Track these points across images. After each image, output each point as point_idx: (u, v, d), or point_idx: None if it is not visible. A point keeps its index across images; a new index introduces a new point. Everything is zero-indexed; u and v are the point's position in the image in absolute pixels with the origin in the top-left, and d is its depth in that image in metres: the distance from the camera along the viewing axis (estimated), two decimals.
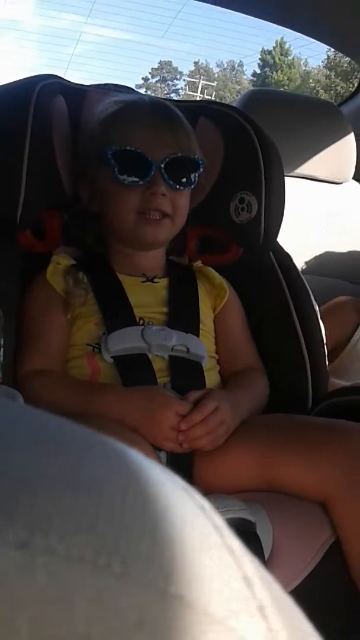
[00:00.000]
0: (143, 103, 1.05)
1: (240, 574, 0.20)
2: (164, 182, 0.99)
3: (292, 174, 1.85)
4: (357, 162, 1.94)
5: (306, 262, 1.91)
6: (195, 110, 1.20)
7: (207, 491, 0.85)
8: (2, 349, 0.82)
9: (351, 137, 1.89)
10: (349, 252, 1.97)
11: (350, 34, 1.93)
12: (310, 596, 0.78)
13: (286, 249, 1.25)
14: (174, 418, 0.87)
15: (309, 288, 1.19)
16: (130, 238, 1.04)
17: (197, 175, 1.04)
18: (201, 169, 1.05)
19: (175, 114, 1.05)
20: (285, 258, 1.22)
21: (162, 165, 0.99)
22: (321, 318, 1.19)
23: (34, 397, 0.89)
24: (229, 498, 0.82)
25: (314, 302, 1.19)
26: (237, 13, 2.08)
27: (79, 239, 1.08)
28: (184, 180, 1.02)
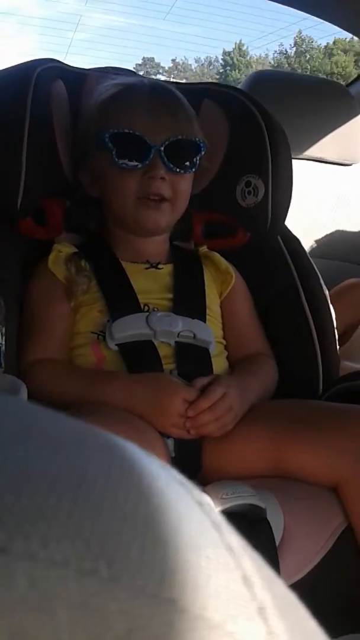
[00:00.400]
0: (142, 85, 1.03)
1: (239, 574, 0.19)
2: (164, 165, 0.98)
3: (300, 156, 1.83)
4: None
5: (315, 245, 1.89)
6: (200, 92, 1.18)
7: (216, 477, 0.84)
8: (4, 338, 0.82)
9: None
10: (358, 234, 1.94)
11: (351, 7, 1.88)
12: (322, 582, 0.78)
13: (294, 232, 1.23)
14: (181, 405, 0.87)
15: (317, 271, 1.18)
16: (130, 224, 1.03)
17: (198, 158, 1.03)
18: (202, 152, 1.03)
19: (175, 96, 1.03)
20: (293, 241, 1.20)
21: (162, 149, 0.97)
22: (331, 301, 1.18)
23: (38, 386, 0.89)
24: (239, 484, 0.81)
25: (323, 285, 1.18)
26: None
27: (81, 225, 1.07)
28: (184, 163, 1.01)
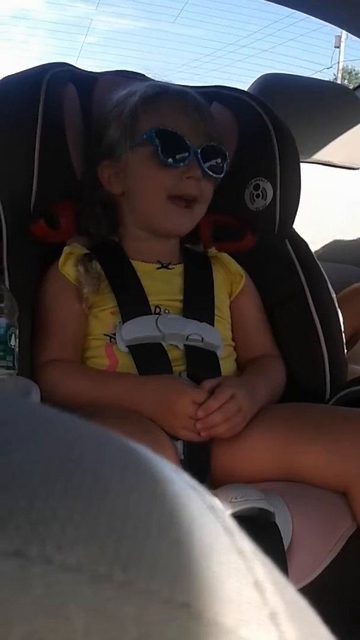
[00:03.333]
0: (177, 89, 1.05)
1: (251, 579, 0.19)
2: (200, 167, 0.99)
3: (308, 160, 1.83)
4: None
5: (323, 249, 1.88)
6: (209, 95, 1.18)
7: (225, 481, 0.85)
8: (17, 341, 0.82)
9: None
10: None
11: (355, 11, 1.88)
12: (330, 586, 0.78)
13: (302, 236, 1.23)
14: (190, 406, 0.87)
15: (325, 275, 1.18)
16: (155, 222, 1.03)
17: (224, 165, 1.04)
18: (228, 159, 1.05)
19: (205, 104, 1.06)
20: (301, 245, 1.20)
21: (199, 151, 0.99)
22: (338, 305, 1.18)
23: (50, 387, 0.89)
24: (248, 487, 0.81)
25: (331, 289, 1.17)
26: None
27: (92, 227, 1.07)
28: (215, 168, 1.03)
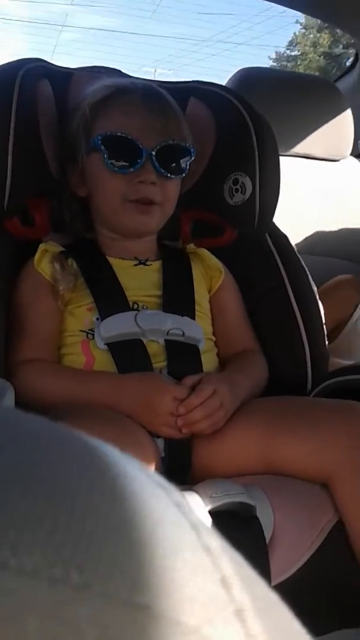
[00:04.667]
0: (135, 88, 1.02)
1: (217, 576, 0.19)
2: (155, 170, 0.97)
3: (287, 153, 1.83)
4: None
5: (304, 242, 1.89)
6: (185, 90, 1.17)
7: (207, 476, 0.85)
8: None
9: (348, 113, 1.86)
10: (348, 230, 1.94)
11: (342, 5, 1.89)
12: (313, 577, 0.78)
13: (283, 230, 1.23)
14: (171, 403, 0.87)
15: (306, 268, 1.18)
16: (118, 226, 1.03)
17: (188, 163, 1.03)
18: (192, 157, 1.03)
19: (167, 101, 1.03)
20: (281, 239, 1.20)
21: (153, 153, 0.97)
22: (320, 297, 1.18)
23: (25, 387, 0.88)
24: (228, 482, 0.81)
25: (312, 282, 1.18)
26: None
27: (67, 224, 1.06)
28: (175, 168, 1.01)
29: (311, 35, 19.01)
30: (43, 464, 0.18)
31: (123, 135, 0.97)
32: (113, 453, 0.21)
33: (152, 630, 0.16)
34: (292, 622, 0.22)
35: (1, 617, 0.14)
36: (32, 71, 1.06)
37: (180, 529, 0.19)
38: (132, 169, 0.97)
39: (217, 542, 0.21)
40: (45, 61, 1.13)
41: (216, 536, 0.21)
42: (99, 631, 0.15)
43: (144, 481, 0.20)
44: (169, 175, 0.99)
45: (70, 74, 1.13)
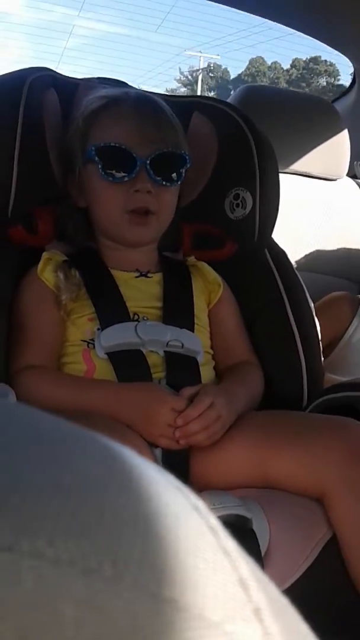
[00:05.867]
0: (127, 98, 1.03)
1: (235, 577, 0.19)
2: (150, 178, 0.98)
3: (286, 170, 1.85)
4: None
5: (301, 259, 1.91)
6: (189, 106, 1.19)
7: (204, 488, 0.85)
8: None
9: (345, 133, 1.89)
10: (344, 249, 1.97)
11: (341, 29, 1.92)
12: (307, 592, 0.78)
13: (281, 246, 1.25)
14: (169, 414, 0.87)
15: (303, 284, 1.19)
16: (116, 236, 1.03)
17: (184, 170, 1.03)
18: (188, 164, 1.03)
19: (160, 109, 1.03)
20: (280, 254, 1.22)
21: (148, 162, 0.97)
22: (316, 314, 1.19)
23: (26, 393, 0.89)
24: (225, 494, 0.82)
25: (309, 299, 1.19)
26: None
27: (71, 233, 1.07)
28: (170, 176, 1.01)
29: None
30: (72, 460, 0.19)
31: (116, 145, 0.97)
32: (134, 455, 0.21)
33: (178, 622, 0.16)
34: (302, 624, 0.23)
35: (39, 605, 0.15)
36: (40, 80, 1.07)
37: (200, 530, 0.20)
38: (127, 179, 0.98)
39: (233, 545, 0.21)
40: (52, 70, 1.14)
41: (231, 539, 0.22)
42: (130, 621, 0.16)
43: (164, 483, 0.21)
44: (164, 183, 1.00)
45: (76, 84, 1.14)
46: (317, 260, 1.92)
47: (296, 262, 1.84)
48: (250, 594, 0.19)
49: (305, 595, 0.77)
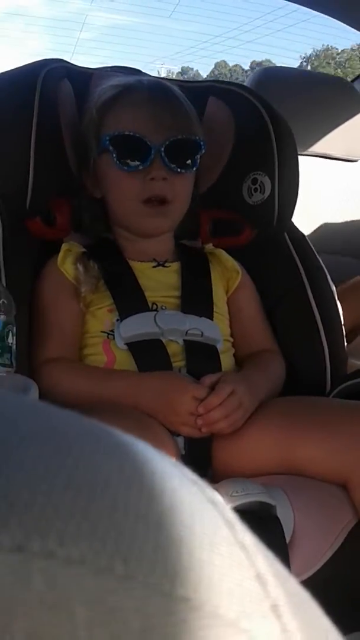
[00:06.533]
0: (140, 85, 1.02)
1: (252, 572, 0.19)
2: (165, 165, 0.97)
3: (305, 152, 1.82)
4: None
5: (321, 241, 1.88)
6: (205, 90, 1.17)
7: (227, 475, 0.85)
8: (14, 338, 0.82)
9: None
10: None
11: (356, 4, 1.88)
12: (332, 579, 0.78)
13: (301, 229, 1.23)
14: (191, 402, 0.87)
15: (324, 267, 1.18)
16: (133, 225, 1.03)
17: (198, 157, 1.02)
18: (203, 150, 1.02)
19: (174, 95, 1.02)
20: (300, 239, 1.20)
21: (162, 149, 0.96)
22: (339, 298, 1.17)
23: (49, 385, 0.89)
24: (249, 481, 0.81)
25: (331, 282, 1.17)
26: None
27: (88, 225, 1.07)
28: (185, 163, 1.00)
29: None
30: (83, 457, 0.18)
31: (130, 133, 0.97)
32: (148, 449, 0.21)
33: (192, 621, 0.16)
34: (323, 619, 0.22)
35: (50, 606, 0.15)
36: (54, 72, 1.07)
37: (216, 525, 0.20)
38: (141, 167, 0.97)
39: (250, 539, 0.21)
40: (66, 61, 1.14)
41: (249, 533, 0.21)
42: (143, 620, 0.15)
43: (179, 478, 0.21)
44: (179, 170, 0.99)
45: (89, 74, 1.14)
46: (338, 242, 1.90)
47: (317, 244, 1.82)
48: (267, 590, 0.19)
49: (330, 582, 0.77)
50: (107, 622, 0.15)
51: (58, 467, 0.18)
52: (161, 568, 0.16)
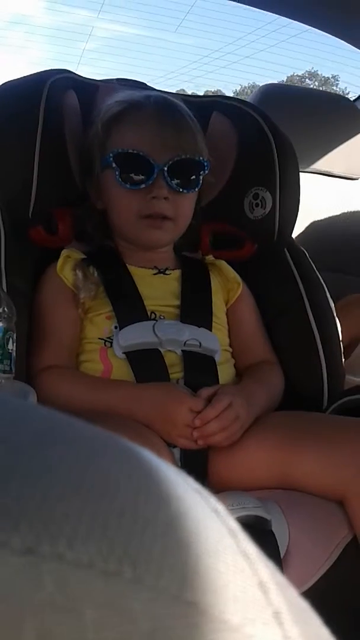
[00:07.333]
0: (147, 103, 1.02)
1: (255, 580, 0.19)
2: (167, 185, 0.98)
3: (307, 169, 1.84)
4: None
5: (321, 258, 1.89)
6: (209, 105, 1.19)
7: (222, 488, 0.85)
8: (14, 345, 0.82)
9: None
10: None
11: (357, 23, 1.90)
12: (326, 595, 0.78)
13: (301, 245, 1.24)
14: (187, 415, 0.87)
15: (324, 284, 1.18)
16: (132, 238, 1.04)
17: (201, 177, 1.03)
18: (206, 171, 1.03)
19: (180, 114, 1.03)
20: (300, 254, 1.21)
21: (165, 168, 0.97)
22: (337, 314, 1.18)
23: (46, 393, 0.89)
24: (244, 495, 0.81)
25: (330, 299, 1.18)
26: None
27: (90, 234, 1.08)
28: (187, 182, 1.01)
29: None
30: (92, 462, 0.19)
31: (134, 151, 0.98)
32: (154, 458, 0.21)
33: (199, 625, 0.16)
34: (322, 628, 0.23)
35: (60, 608, 0.15)
36: (59, 82, 1.08)
37: (220, 533, 0.20)
38: (144, 185, 0.98)
39: (252, 549, 0.21)
40: (72, 72, 1.15)
41: (251, 543, 0.22)
42: (151, 623, 0.16)
43: (184, 486, 0.21)
44: (181, 190, 1.00)
45: (96, 85, 1.15)
46: (338, 259, 1.90)
47: (317, 261, 1.83)
48: (270, 597, 0.19)
49: (325, 597, 0.77)
50: (116, 624, 0.15)
51: (68, 472, 0.18)
52: (169, 572, 0.17)
